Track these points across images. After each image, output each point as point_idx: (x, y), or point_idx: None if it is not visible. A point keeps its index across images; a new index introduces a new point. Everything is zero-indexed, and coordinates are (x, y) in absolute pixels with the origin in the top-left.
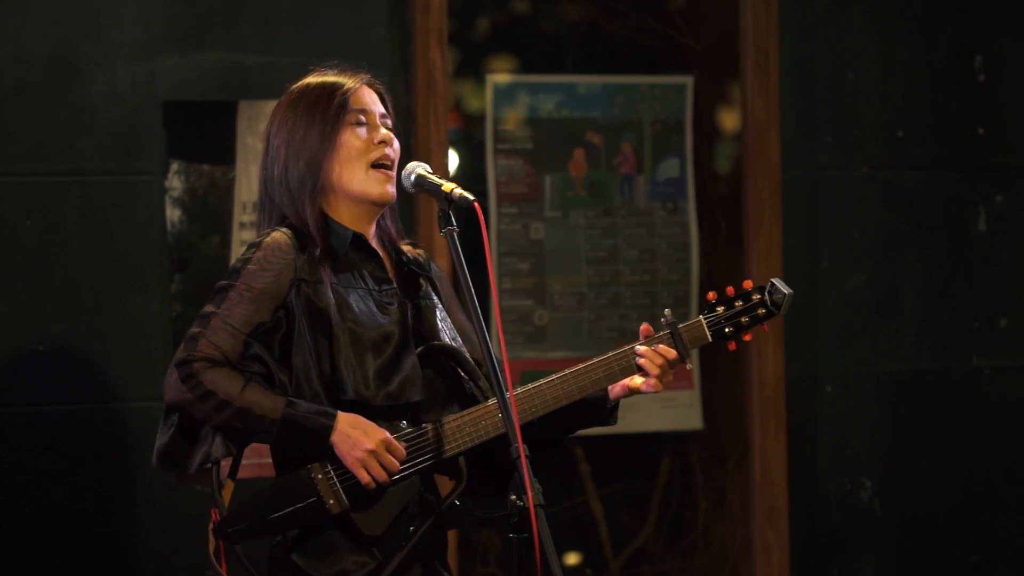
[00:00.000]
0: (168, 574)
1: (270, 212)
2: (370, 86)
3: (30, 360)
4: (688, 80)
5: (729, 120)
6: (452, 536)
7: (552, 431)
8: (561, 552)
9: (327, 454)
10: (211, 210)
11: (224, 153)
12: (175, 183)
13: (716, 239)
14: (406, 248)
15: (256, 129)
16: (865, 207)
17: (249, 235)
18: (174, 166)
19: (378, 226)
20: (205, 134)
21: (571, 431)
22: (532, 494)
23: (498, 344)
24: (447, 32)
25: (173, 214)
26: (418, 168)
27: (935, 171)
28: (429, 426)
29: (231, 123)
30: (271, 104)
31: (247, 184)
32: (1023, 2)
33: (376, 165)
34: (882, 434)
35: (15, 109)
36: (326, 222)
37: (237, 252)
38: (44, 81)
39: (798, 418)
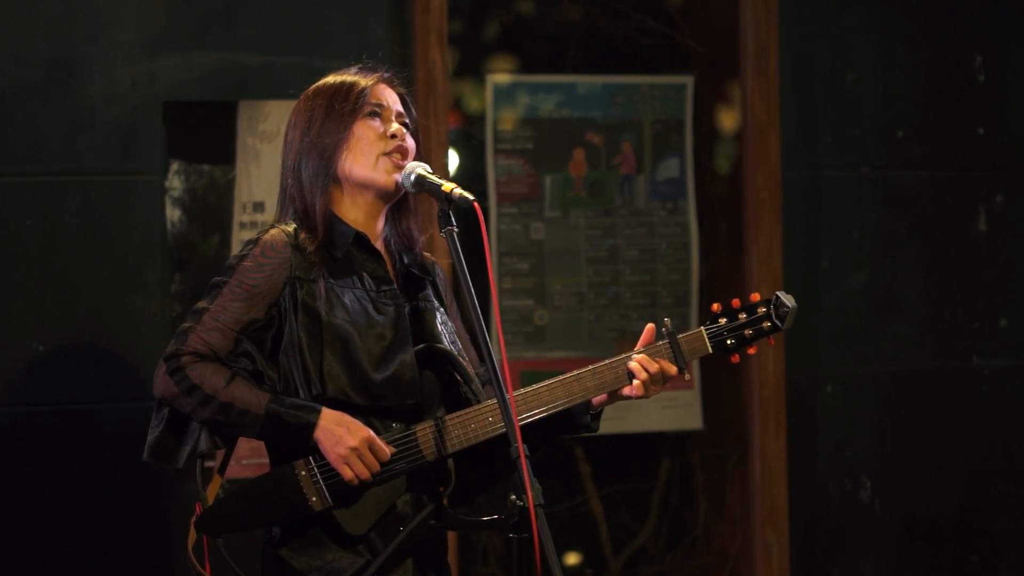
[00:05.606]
0: (167, 574)
1: (285, 203)
2: (389, 85)
3: (30, 360)
4: (688, 80)
5: (729, 120)
6: (452, 537)
7: (533, 439)
8: (561, 552)
9: (314, 450)
10: (211, 210)
11: (224, 153)
12: (175, 183)
13: (716, 239)
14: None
15: (256, 129)
16: (865, 207)
17: (249, 235)
18: (174, 166)
19: (392, 227)
20: (205, 134)
21: (549, 440)
22: (532, 494)
23: (498, 345)
24: (447, 32)
25: (173, 214)
26: (418, 168)
27: (935, 171)
28: (419, 428)
29: (231, 123)
30: (271, 104)
31: (247, 184)
32: (1023, 2)
33: (387, 154)
34: (882, 434)
35: (15, 109)
36: (331, 220)
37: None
38: (44, 81)
39: (798, 418)
